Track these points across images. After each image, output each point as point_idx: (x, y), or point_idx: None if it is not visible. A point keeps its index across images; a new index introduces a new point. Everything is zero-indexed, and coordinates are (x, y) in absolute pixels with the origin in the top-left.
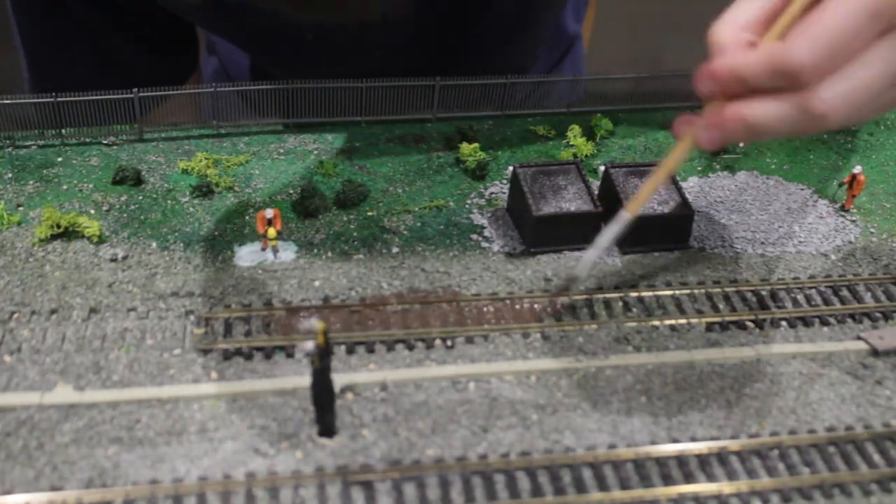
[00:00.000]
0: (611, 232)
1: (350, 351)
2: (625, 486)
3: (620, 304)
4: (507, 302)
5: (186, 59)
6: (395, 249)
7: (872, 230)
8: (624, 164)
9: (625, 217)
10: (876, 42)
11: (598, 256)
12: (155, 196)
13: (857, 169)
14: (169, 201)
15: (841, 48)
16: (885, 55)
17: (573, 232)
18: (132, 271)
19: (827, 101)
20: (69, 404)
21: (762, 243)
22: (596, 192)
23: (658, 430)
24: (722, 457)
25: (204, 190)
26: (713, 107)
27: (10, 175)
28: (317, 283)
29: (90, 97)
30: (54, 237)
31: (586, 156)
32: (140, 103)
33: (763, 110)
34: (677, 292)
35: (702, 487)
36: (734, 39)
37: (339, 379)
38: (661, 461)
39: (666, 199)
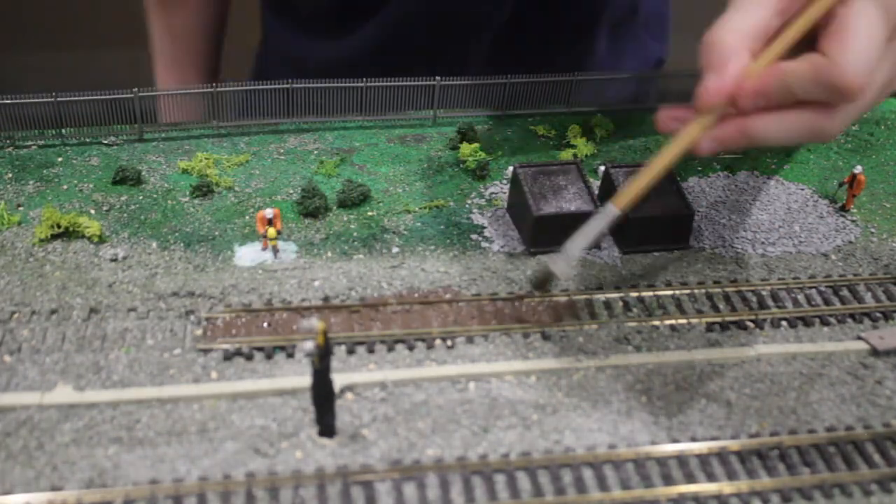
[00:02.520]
0: (596, 226)
1: (350, 351)
2: (625, 486)
3: (620, 304)
4: (507, 302)
5: None
6: (395, 249)
7: (872, 230)
8: (624, 164)
9: (612, 211)
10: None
11: (581, 250)
12: (155, 196)
13: (858, 169)
14: (169, 201)
15: (877, 61)
16: (892, 62)
17: (573, 232)
18: (132, 271)
19: (839, 124)
20: (69, 404)
21: (762, 243)
22: (596, 192)
23: (658, 430)
24: (722, 457)
25: (204, 190)
26: (716, 116)
27: (10, 175)
28: (317, 283)
29: (90, 97)
30: (54, 237)
31: (586, 156)
32: (140, 103)
33: (774, 127)
34: (677, 292)
35: (702, 487)
36: (740, 47)
37: (339, 379)
38: (661, 461)
39: (666, 199)
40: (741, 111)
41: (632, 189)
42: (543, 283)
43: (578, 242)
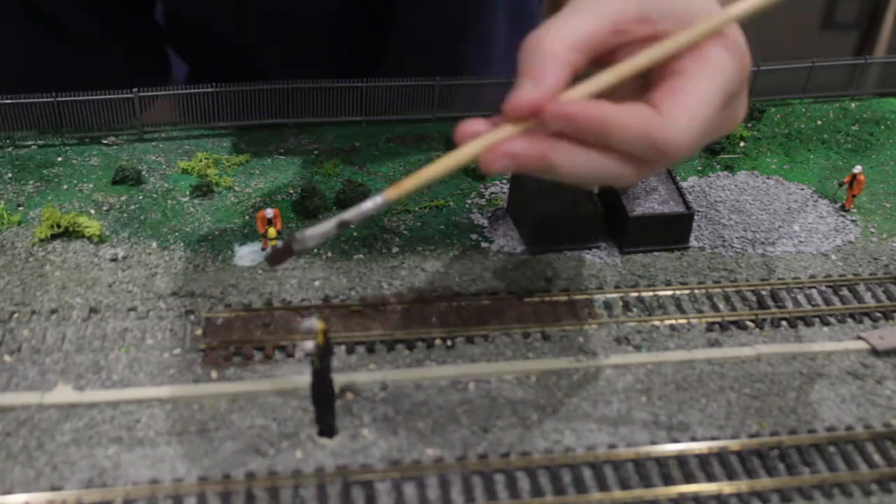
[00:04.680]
0: (369, 206)
1: (350, 351)
2: (625, 485)
3: (620, 303)
4: (507, 302)
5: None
6: (395, 249)
7: (872, 230)
8: None
9: (378, 201)
10: None
11: (329, 229)
12: (155, 196)
13: (857, 169)
14: (169, 201)
15: (708, 127)
16: (714, 129)
17: (573, 232)
18: (132, 271)
19: (642, 175)
20: (69, 404)
21: (762, 243)
22: (596, 192)
23: (658, 430)
24: (722, 457)
25: (204, 190)
26: (518, 130)
27: (10, 175)
28: (317, 283)
29: (90, 97)
30: (54, 237)
31: None
32: (140, 102)
33: (578, 162)
34: (677, 292)
35: (702, 487)
36: (563, 59)
37: (339, 379)
38: (661, 461)
39: (666, 199)
40: (547, 133)
41: (408, 183)
42: (287, 251)
43: (351, 213)
